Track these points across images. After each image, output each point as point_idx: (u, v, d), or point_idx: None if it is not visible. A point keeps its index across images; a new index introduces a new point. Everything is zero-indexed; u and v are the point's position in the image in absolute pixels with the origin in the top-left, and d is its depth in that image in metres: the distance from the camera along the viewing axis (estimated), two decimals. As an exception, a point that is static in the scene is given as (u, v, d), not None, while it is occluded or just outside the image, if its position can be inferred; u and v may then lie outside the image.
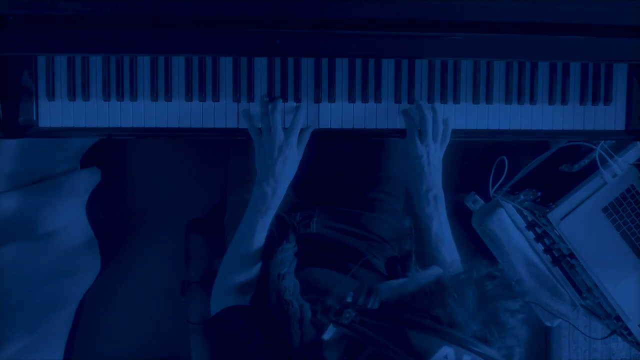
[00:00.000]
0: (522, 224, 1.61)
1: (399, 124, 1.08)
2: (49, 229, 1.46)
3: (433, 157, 1.02)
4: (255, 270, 0.98)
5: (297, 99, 1.07)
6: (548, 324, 1.73)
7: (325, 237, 1.10)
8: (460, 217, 1.73)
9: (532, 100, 1.09)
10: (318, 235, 1.10)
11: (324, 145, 1.31)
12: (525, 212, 1.55)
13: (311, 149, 1.05)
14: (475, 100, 1.09)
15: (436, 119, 1.03)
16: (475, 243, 1.72)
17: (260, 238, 0.99)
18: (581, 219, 1.32)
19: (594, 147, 1.34)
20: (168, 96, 1.06)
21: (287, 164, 1.00)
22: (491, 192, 1.62)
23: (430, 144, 1.02)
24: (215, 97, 1.06)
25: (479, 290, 0.59)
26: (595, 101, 1.10)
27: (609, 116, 1.11)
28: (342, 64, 1.07)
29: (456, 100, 1.08)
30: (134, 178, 1.76)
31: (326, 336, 0.62)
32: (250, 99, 1.06)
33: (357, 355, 0.59)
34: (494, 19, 0.95)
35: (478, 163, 1.75)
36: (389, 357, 0.55)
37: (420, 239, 1.34)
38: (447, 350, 0.53)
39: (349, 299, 0.67)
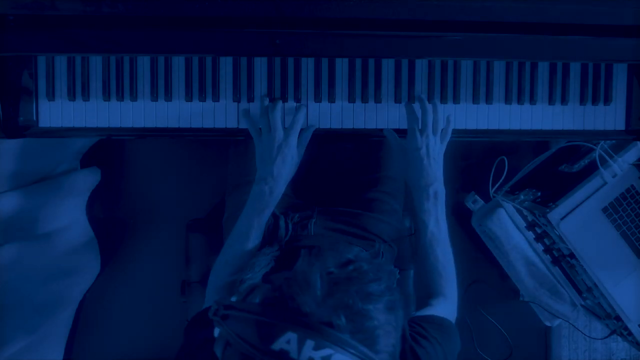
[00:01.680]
0: (522, 224, 1.61)
1: (399, 124, 1.08)
2: (49, 229, 1.46)
3: (433, 150, 1.01)
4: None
5: (297, 99, 1.07)
6: (548, 324, 1.73)
7: (319, 240, 1.10)
8: (460, 217, 1.73)
9: (532, 100, 1.09)
10: (314, 237, 1.10)
11: (324, 145, 1.31)
12: (525, 212, 1.55)
13: (311, 149, 1.05)
14: (475, 100, 1.09)
15: (436, 113, 1.03)
16: (475, 243, 1.72)
17: (256, 236, 0.99)
18: (581, 219, 1.32)
19: (594, 147, 1.34)
20: (168, 96, 1.06)
21: (285, 164, 1.00)
22: (491, 192, 1.62)
23: (429, 135, 1.01)
24: (215, 97, 1.06)
25: (327, 276, 0.59)
26: (595, 101, 1.10)
27: (609, 116, 1.11)
28: (342, 64, 1.07)
29: (456, 100, 1.08)
30: (134, 178, 1.76)
31: (215, 332, 0.62)
32: (250, 99, 1.06)
33: (225, 351, 0.58)
34: (494, 19, 0.95)
35: (478, 163, 1.75)
36: (241, 349, 0.55)
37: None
38: (291, 336, 0.53)
39: (234, 298, 0.65)
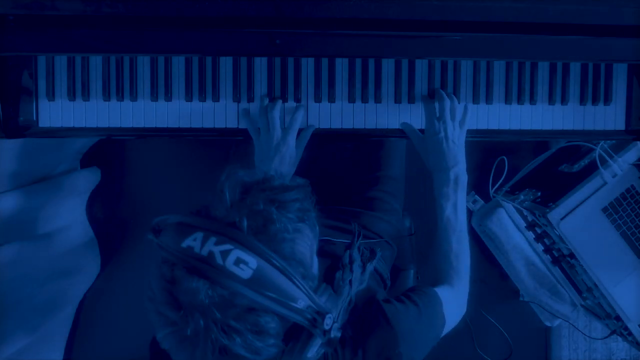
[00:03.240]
0: (522, 224, 1.61)
1: (399, 124, 1.08)
2: (49, 229, 1.46)
3: (451, 134, 1.00)
4: None
5: (297, 99, 1.07)
6: (548, 324, 1.73)
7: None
8: (460, 217, 1.73)
9: (532, 100, 1.09)
10: None
11: (324, 145, 1.31)
12: (525, 212, 1.55)
13: (311, 148, 1.05)
14: (475, 100, 1.09)
15: (453, 100, 1.03)
16: (475, 243, 1.72)
17: None
18: (581, 219, 1.32)
19: (594, 147, 1.34)
20: (168, 96, 1.06)
21: (283, 163, 1.00)
22: (491, 192, 1.62)
23: (447, 121, 1.01)
24: (215, 97, 1.06)
25: (240, 187, 0.63)
26: (595, 101, 1.10)
27: (609, 116, 1.10)
28: (342, 64, 1.07)
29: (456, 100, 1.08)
30: (134, 178, 1.75)
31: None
32: (250, 99, 1.07)
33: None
34: (494, 19, 0.95)
35: (478, 163, 1.75)
36: (163, 255, 0.61)
37: (419, 240, 1.34)
38: (197, 235, 0.59)
39: None
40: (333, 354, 0.75)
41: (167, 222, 0.63)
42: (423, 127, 1.09)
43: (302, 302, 0.61)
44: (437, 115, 1.02)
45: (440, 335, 0.87)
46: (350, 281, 0.75)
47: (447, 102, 1.02)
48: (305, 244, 0.64)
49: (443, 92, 1.04)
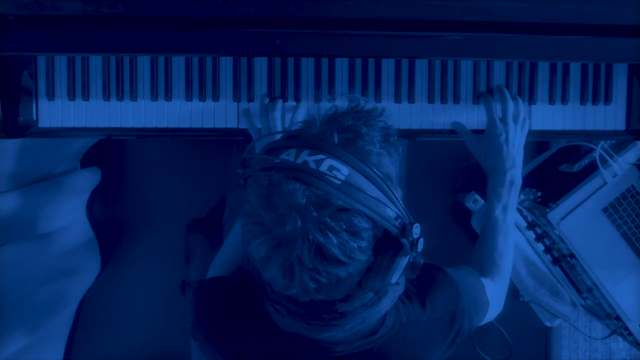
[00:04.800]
0: (522, 224, 1.61)
1: (399, 124, 1.08)
2: (49, 229, 1.46)
3: (513, 136, 1.02)
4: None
5: (297, 99, 1.07)
6: (548, 324, 1.73)
7: None
8: (460, 217, 1.73)
9: (532, 100, 1.09)
10: None
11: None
12: (525, 212, 1.55)
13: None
14: (475, 100, 1.09)
15: (517, 103, 1.04)
16: (475, 243, 1.72)
17: None
18: (581, 219, 1.32)
19: (594, 147, 1.34)
20: (168, 96, 1.06)
21: None
22: (491, 192, 1.61)
23: (509, 124, 1.02)
24: (215, 97, 1.06)
25: (330, 111, 0.67)
26: (595, 101, 1.10)
27: (609, 116, 1.10)
28: (342, 64, 1.07)
29: (456, 100, 1.08)
30: (134, 178, 1.75)
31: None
32: (250, 99, 1.07)
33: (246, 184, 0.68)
34: (494, 19, 0.95)
35: (478, 163, 1.75)
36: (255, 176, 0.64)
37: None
38: (290, 150, 0.62)
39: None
40: (403, 306, 0.77)
41: (258, 152, 0.65)
42: (422, 127, 1.09)
43: (391, 211, 0.62)
44: (500, 116, 1.03)
45: (485, 312, 0.90)
46: None
47: (511, 105, 1.03)
48: (390, 162, 0.67)
49: (507, 93, 1.04)
